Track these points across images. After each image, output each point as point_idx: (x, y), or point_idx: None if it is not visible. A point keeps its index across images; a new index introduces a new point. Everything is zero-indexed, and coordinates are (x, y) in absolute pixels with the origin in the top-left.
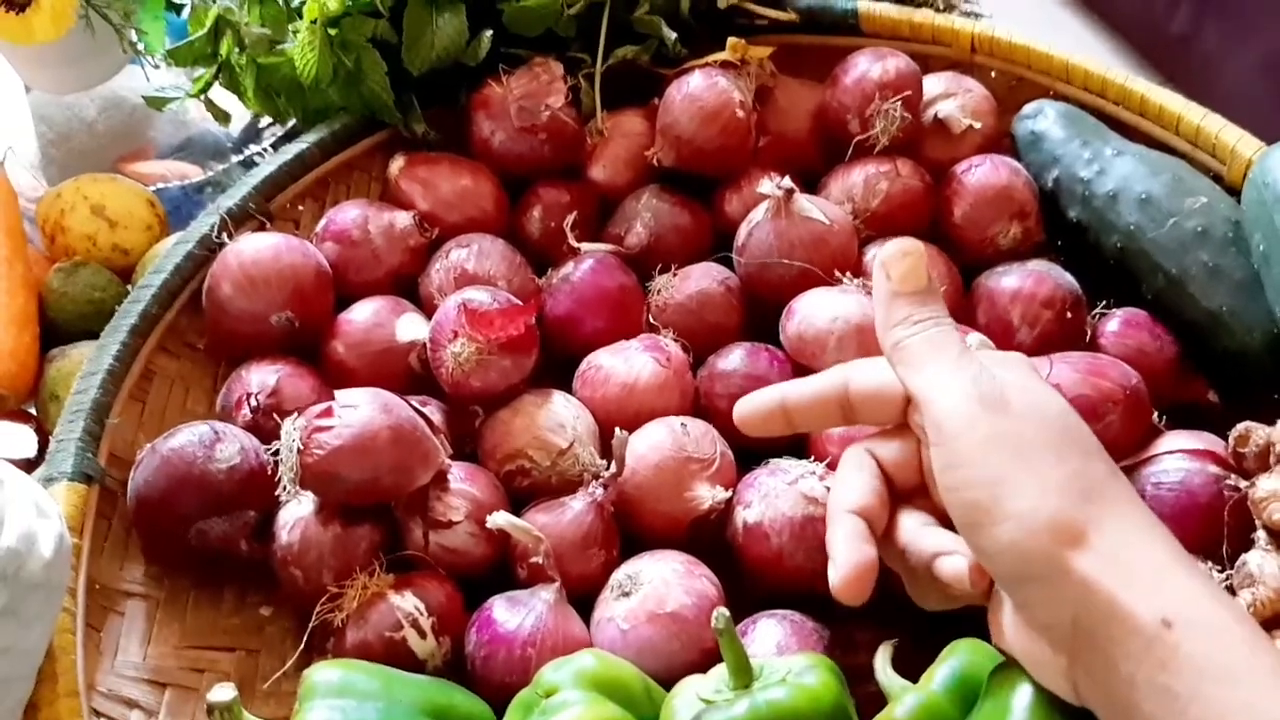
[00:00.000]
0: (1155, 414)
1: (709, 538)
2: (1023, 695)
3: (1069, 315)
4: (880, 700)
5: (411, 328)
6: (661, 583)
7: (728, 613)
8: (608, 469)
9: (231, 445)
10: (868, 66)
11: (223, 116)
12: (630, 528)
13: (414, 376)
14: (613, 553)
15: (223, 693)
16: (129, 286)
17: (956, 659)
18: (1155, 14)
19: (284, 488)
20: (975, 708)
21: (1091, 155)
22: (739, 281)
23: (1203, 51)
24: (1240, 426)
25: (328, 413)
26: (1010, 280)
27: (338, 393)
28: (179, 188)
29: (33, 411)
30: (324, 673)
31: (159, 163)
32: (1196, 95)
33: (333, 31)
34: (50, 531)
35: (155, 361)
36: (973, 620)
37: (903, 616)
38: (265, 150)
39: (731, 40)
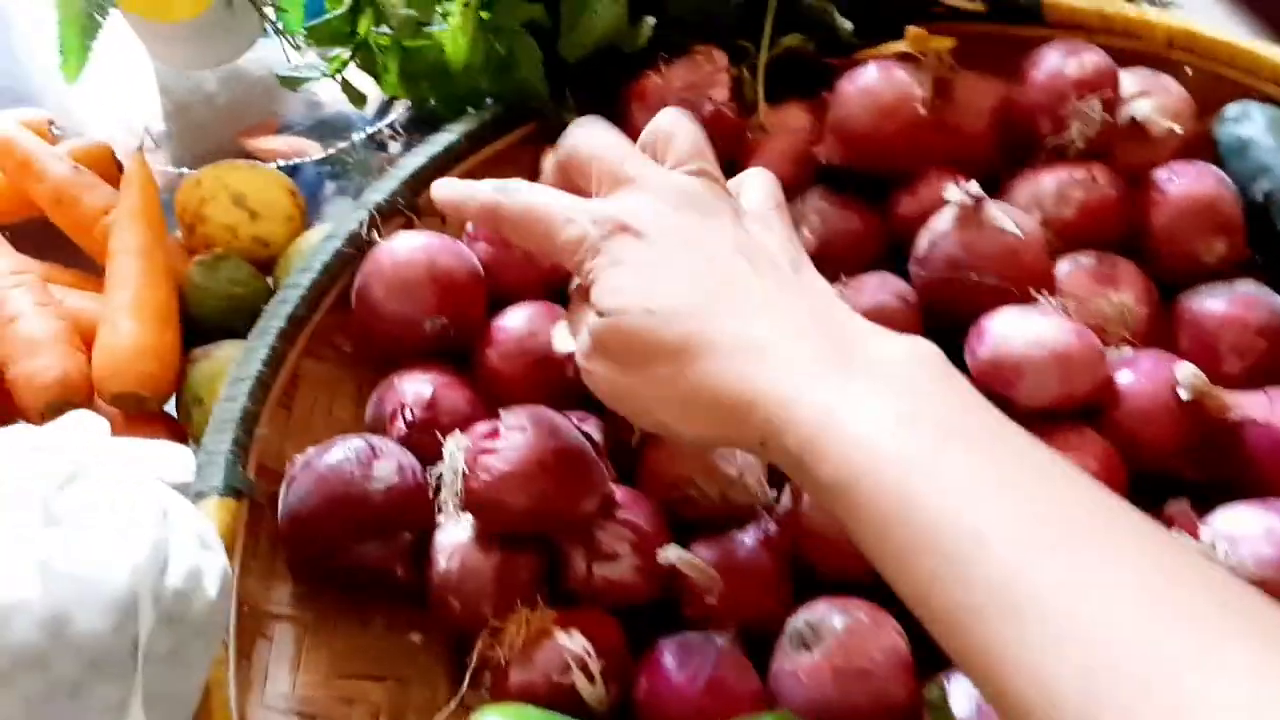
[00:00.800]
0: None
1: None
2: None
3: None
4: None
5: (569, 338)
6: (847, 634)
7: (944, 683)
8: (776, 500)
9: (389, 462)
10: (1062, 61)
11: (359, 99)
12: (806, 563)
13: (569, 387)
14: (786, 594)
15: None
16: (269, 280)
17: None
18: None
19: (446, 511)
20: None
21: None
22: (916, 295)
23: None
24: None
25: (494, 434)
26: (1217, 304)
27: (502, 412)
28: (311, 166)
29: (174, 416)
30: (494, 718)
31: (280, 138)
32: None
33: (485, 15)
34: (215, 566)
35: (301, 366)
36: None
37: None
38: (392, 128)
39: (912, 30)
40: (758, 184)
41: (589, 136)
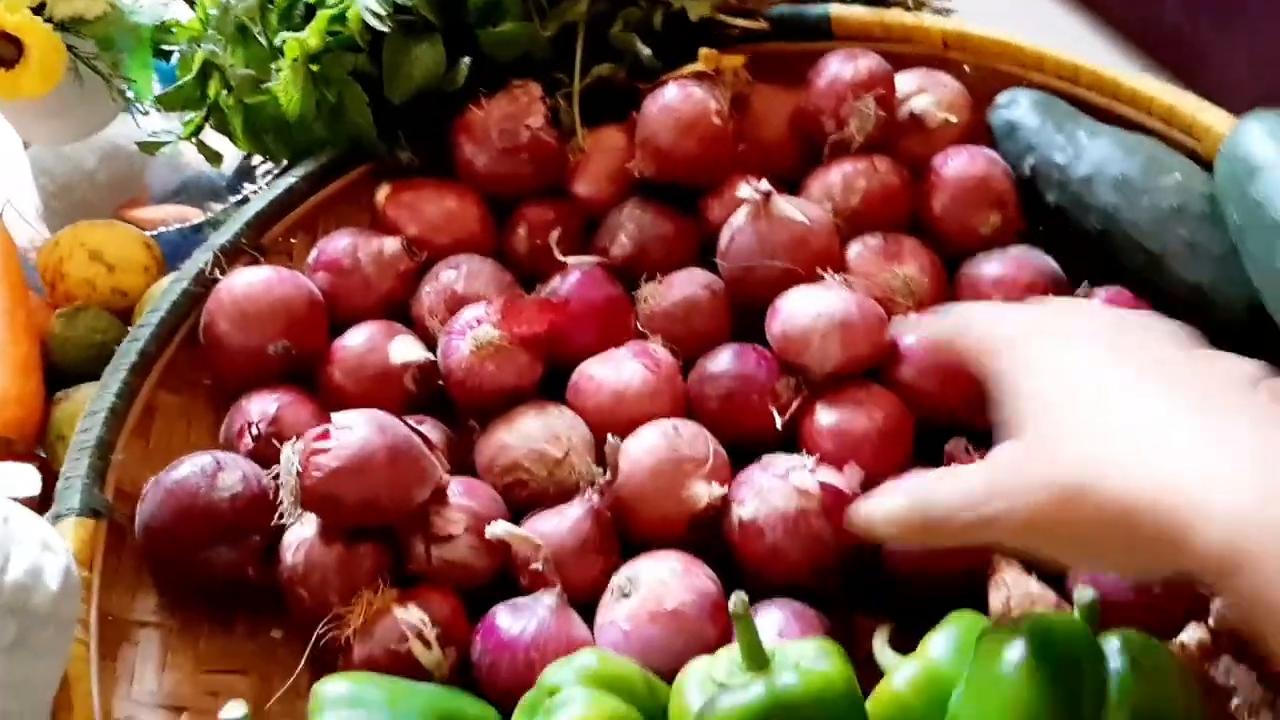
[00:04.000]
0: None
1: (708, 538)
2: (1014, 652)
3: (1051, 296)
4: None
5: (405, 349)
6: (660, 582)
7: (745, 596)
8: (603, 475)
9: (233, 473)
10: (839, 67)
11: (214, 157)
12: (630, 532)
13: (410, 398)
14: (612, 558)
15: (235, 710)
16: (129, 327)
17: (953, 628)
18: (1147, 7)
19: (286, 511)
20: (969, 670)
21: (1066, 140)
22: (724, 285)
23: (1195, 43)
24: None
25: (324, 435)
26: (992, 267)
27: (334, 415)
28: (177, 231)
29: (42, 455)
30: (333, 686)
31: (158, 208)
32: (1190, 87)
33: (314, 68)
34: (56, 565)
35: (157, 398)
36: (969, 603)
37: (899, 605)
38: (260, 189)
39: (704, 50)
40: None
41: None
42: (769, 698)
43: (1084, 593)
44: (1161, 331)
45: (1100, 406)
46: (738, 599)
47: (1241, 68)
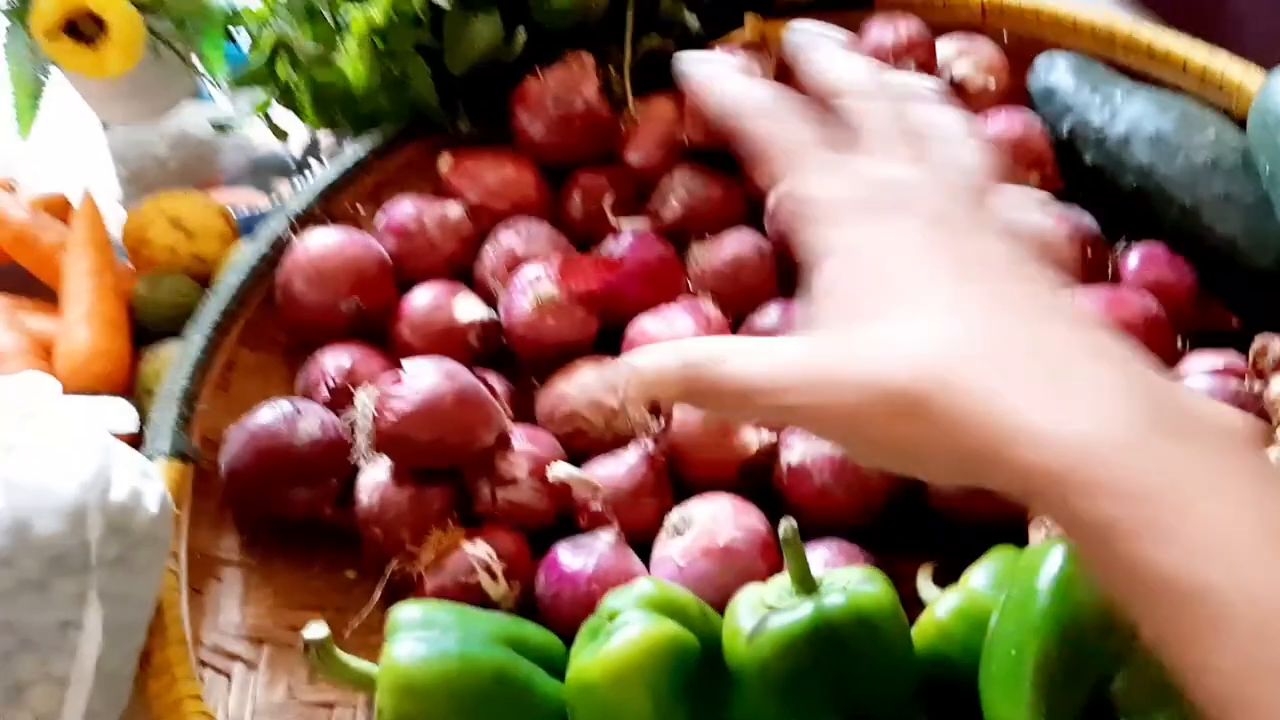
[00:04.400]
0: (1180, 340)
1: (759, 483)
2: (1049, 566)
3: (1089, 253)
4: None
5: (469, 307)
6: (712, 520)
7: (794, 523)
8: (658, 424)
9: (312, 419)
10: (881, 33)
11: (282, 134)
12: (685, 477)
13: (474, 354)
14: (667, 501)
15: (317, 630)
16: (209, 290)
17: (993, 562)
18: None
19: (361, 453)
20: (1006, 592)
21: (1102, 100)
22: (771, 246)
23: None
24: (1259, 340)
25: (397, 380)
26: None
27: (405, 362)
28: (249, 211)
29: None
30: (407, 611)
31: (229, 191)
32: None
33: (379, 42)
34: (154, 490)
35: (237, 354)
36: (1014, 540)
37: (943, 545)
38: (321, 161)
39: (748, 18)
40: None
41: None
42: (816, 616)
43: None
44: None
45: (933, 306)
46: (787, 525)
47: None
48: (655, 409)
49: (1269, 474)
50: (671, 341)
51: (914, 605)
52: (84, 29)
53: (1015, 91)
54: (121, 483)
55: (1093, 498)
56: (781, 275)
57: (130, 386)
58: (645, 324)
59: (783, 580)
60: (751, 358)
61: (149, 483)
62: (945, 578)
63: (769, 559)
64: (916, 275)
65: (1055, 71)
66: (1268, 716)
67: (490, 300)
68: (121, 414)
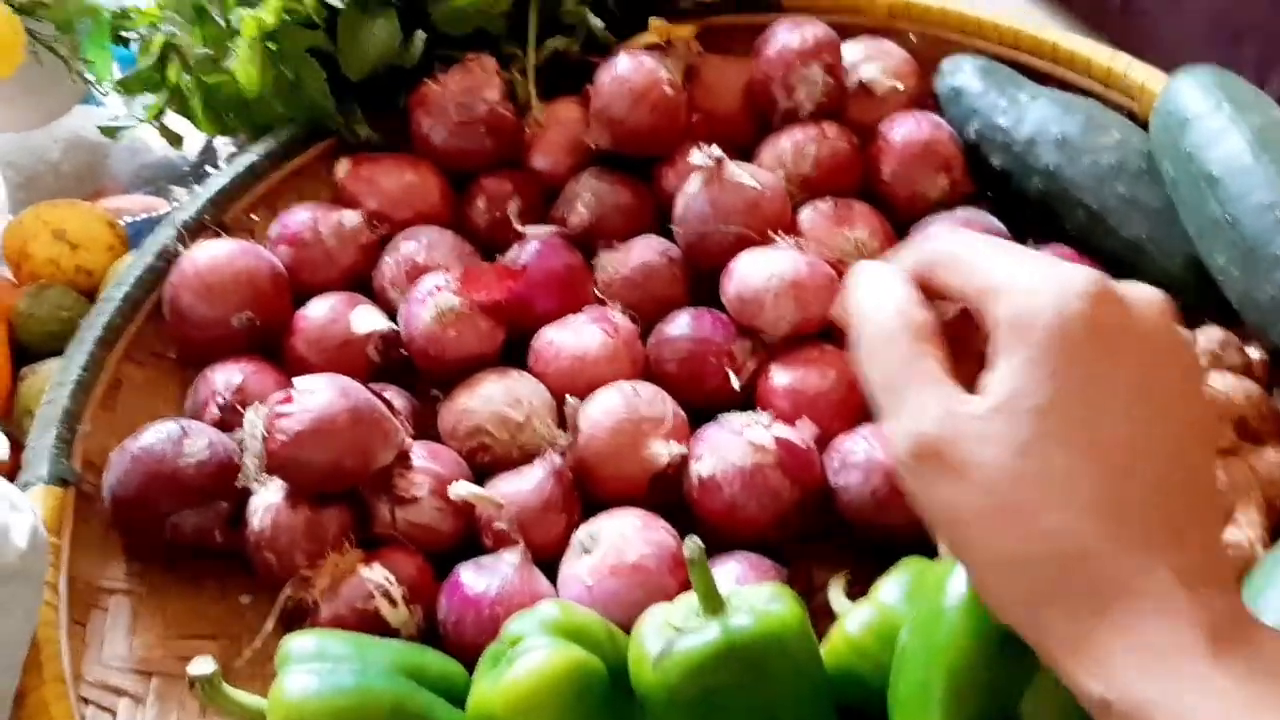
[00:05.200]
0: None
1: (669, 496)
2: (955, 584)
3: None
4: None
5: (367, 319)
6: (620, 537)
7: (700, 542)
8: (565, 438)
9: (199, 440)
10: (787, 36)
11: (175, 140)
12: (592, 492)
13: (372, 368)
14: (574, 517)
15: (203, 666)
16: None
17: (903, 574)
18: None
19: (251, 475)
20: (915, 608)
21: (1008, 103)
22: (680, 251)
23: (1142, 12)
24: None
25: (288, 399)
26: (940, 228)
27: (296, 380)
28: (144, 219)
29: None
30: (299, 642)
31: (124, 198)
32: (1139, 55)
33: (271, 45)
34: (23, 524)
35: (122, 371)
36: (922, 551)
37: (854, 555)
38: (216, 166)
39: (653, 21)
40: None
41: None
42: (724, 639)
43: None
44: None
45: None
46: (691, 544)
47: (1189, 35)
48: (561, 423)
49: None
50: None
51: (826, 615)
52: None
53: (922, 94)
54: None
55: None
56: (691, 282)
57: (8, 409)
58: (552, 334)
59: (689, 600)
60: None
61: (17, 515)
62: (857, 587)
63: (679, 576)
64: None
65: (961, 74)
66: None
67: (391, 312)
68: None
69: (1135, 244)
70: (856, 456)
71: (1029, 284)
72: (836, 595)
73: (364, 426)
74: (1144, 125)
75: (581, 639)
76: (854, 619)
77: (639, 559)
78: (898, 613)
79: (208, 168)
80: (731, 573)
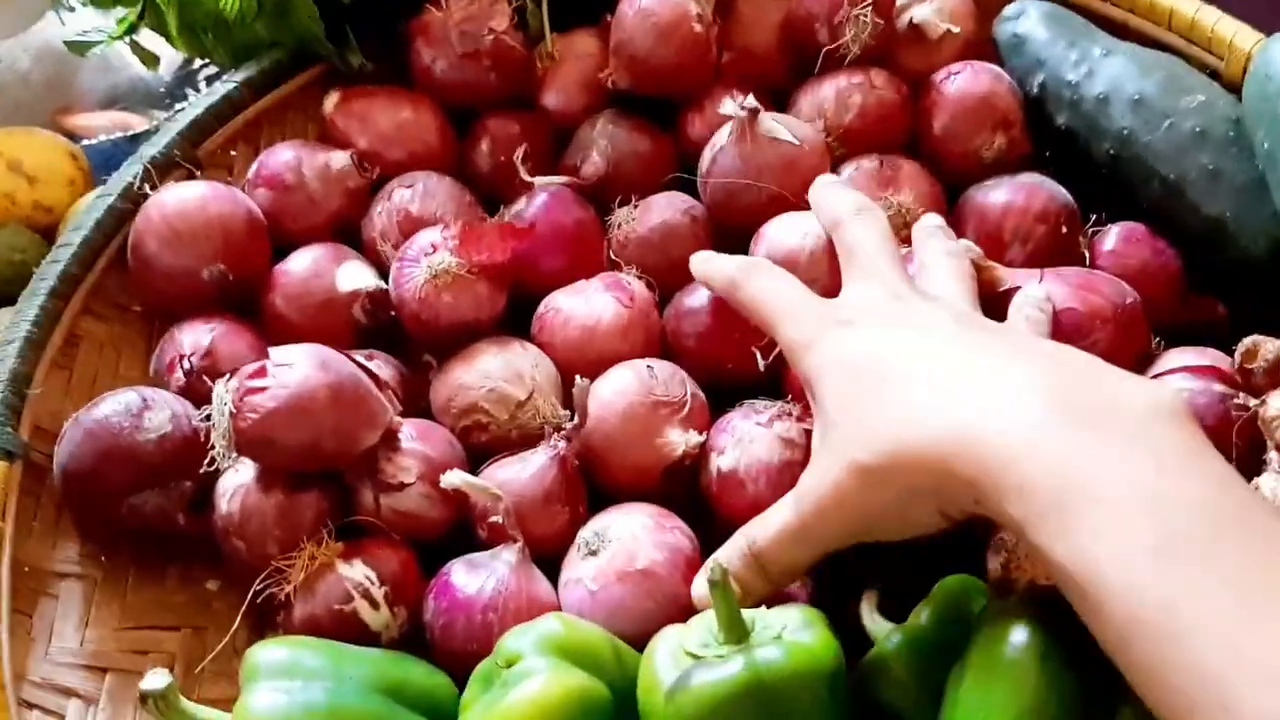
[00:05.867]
0: (1155, 338)
1: (683, 488)
2: (1018, 635)
3: (1064, 230)
4: (863, 644)
5: (354, 276)
6: (631, 538)
7: (725, 564)
8: (570, 420)
9: (161, 413)
10: None
11: (150, 59)
12: (600, 481)
13: (359, 330)
14: (579, 509)
15: (156, 680)
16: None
17: (945, 595)
18: None
19: (219, 454)
20: (969, 644)
21: (1079, 56)
22: (705, 210)
23: None
24: (1247, 340)
25: (261, 372)
26: (1000, 194)
27: (272, 350)
28: (112, 141)
29: None
30: (268, 652)
31: (99, 114)
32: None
33: None
34: None
35: (81, 325)
36: (963, 562)
37: (885, 565)
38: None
39: None
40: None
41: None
42: (748, 675)
43: None
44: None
45: (882, 384)
46: (715, 566)
47: None
48: (566, 402)
49: (1190, 449)
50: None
51: (853, 630)
52: None
53: (981, 41)
54: None
55: (1003, 497)
56: (715, 245)
57: None
58: (560, 301)
59: (708, 620)
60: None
61: None
62: (888, 600)
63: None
64: None
65: (1026, 19)
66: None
67: (381, 267)
68: None
69: (1216, 222)
70: None
71: None
72: (869, 614)
73: (347, 405)
74: (1231, 88)
75: (585, 660)
76: (892, 642)
77: (650, 564)
78: (940, 639)
79: (187, 90)
80: None
